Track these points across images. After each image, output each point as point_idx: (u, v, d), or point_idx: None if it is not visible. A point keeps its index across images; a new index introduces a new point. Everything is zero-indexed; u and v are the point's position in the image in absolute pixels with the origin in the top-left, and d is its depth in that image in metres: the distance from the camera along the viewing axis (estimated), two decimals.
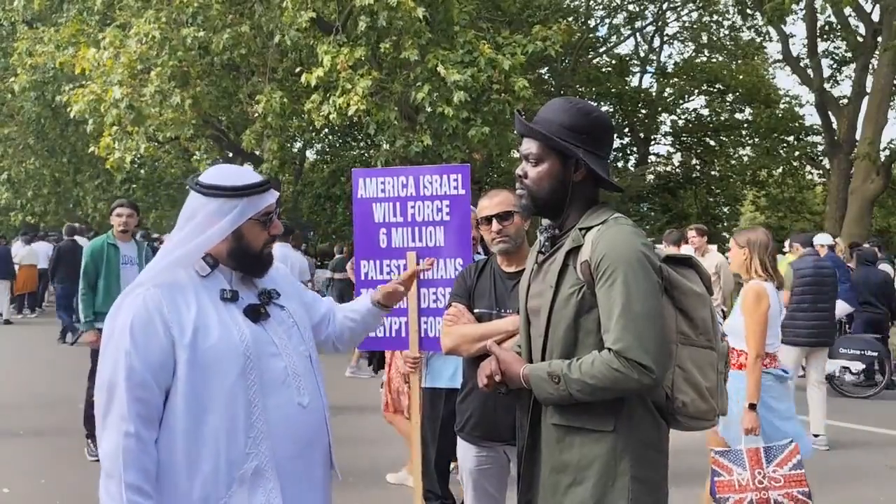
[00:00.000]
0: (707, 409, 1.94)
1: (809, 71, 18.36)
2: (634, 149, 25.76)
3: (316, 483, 1.98)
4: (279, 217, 2.04)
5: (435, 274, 3.36)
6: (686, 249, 7.78)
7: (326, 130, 19.96)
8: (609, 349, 1.81)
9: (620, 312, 1.80)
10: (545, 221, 2.09)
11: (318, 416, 1.98)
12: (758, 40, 23.86)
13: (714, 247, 8.47)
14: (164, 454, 1.79)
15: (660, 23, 24.65)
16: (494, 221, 2.80)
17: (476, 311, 2.80)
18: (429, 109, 10.29)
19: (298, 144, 19.53)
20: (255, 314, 1.93)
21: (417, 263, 3.27)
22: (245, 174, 1.98)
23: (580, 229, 1.95)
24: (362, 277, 3.55)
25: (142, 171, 19.80)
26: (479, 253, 4.21)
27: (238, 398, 1.81)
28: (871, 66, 16.99)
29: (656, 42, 26.28)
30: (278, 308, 2.02)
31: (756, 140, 24.66)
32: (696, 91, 25.23)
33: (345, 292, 11.63)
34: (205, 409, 1.79)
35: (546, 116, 2.01)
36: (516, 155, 15.16)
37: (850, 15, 17.43)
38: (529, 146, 2.02)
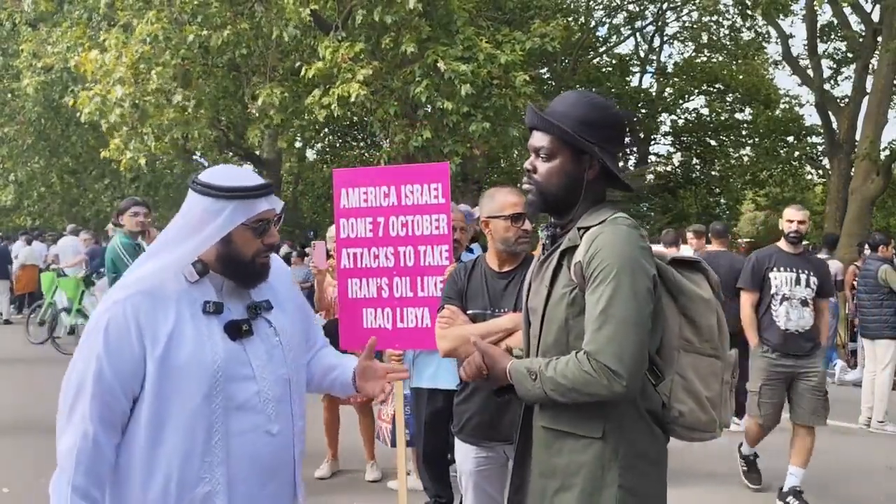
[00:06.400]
0: (707, 420, 1.85)
1: (809, 71, 18.35)
2: (634, 149, 25.73)
3: None
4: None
5: None
6: (684, 250, 7.78)
7: (327, 130, 19.96)
8: (584, 350, 1.76)
9: (599, 314, 1.74)
10: (548, 219, 2.02)
11: (286, 443, 1.87)
12: (758, 40, 23.86)
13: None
14: (123, 460, 1.75)
15: (660, 23, 24.62)
16: (526, 220, 2.77)
17: (470, 311, 2.79)
18: (428, 109, 10.29)
19: (298, 144, 19.52)
20: (236, 331, 1.80)
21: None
22: (240, 176, 1.84)
23: (578, 228, 1.87)
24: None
25: (145, 171, 19.80)
26: (471, 251, 4.26)
27: (199, 420, 1.73)
28: (871, 66, 16.96)
29: (656, 42, 26.27)
30: (266, 323, 1.88)
31: (756, 140, 24.63)
32: (696, 91, 25.19)
33: None
34: (164, 426, 1.73)
35: (560, 109, 1.90)
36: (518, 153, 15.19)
37: (850, 14, 17.42)
38: (541, 140, 1.91)
